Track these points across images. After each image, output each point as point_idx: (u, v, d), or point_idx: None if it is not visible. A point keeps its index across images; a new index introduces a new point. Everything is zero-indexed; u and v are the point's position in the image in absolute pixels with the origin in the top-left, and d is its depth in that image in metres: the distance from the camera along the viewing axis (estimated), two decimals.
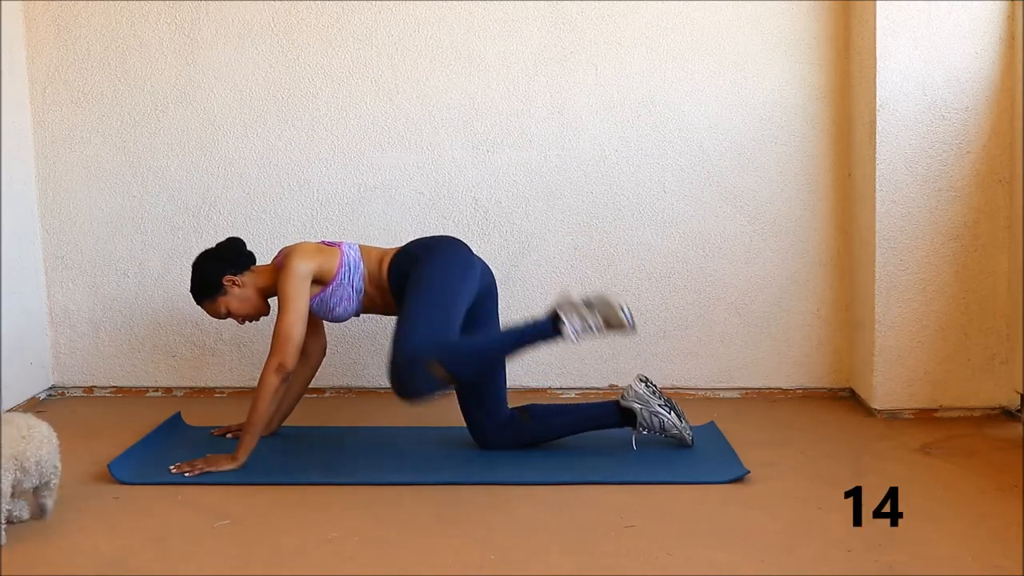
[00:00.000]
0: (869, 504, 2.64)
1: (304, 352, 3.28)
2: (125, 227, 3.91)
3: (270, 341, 3.91)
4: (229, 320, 3.88)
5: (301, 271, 3.01)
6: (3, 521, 2.42)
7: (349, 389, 3.95)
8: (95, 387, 3.98)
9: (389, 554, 2.39)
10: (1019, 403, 3.42)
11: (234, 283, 3.11)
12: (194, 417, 3.58)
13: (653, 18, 3.76)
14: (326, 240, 3.20)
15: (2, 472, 2.40)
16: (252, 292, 3.13)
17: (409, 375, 2.84)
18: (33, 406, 3.80)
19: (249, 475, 2.92)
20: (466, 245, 3.17)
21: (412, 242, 3.19)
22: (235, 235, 3.42)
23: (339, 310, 3.12)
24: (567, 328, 2.87)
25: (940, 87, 3.43)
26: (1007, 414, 3.49)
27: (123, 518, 2.63)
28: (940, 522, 2.54)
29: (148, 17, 3.83)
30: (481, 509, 2.68)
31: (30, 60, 3.85)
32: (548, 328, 2.91)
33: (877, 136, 3.45)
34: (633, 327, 2.90)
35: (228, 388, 3.96)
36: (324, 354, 3.38)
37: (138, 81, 3.85)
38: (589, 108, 3.80)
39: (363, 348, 3.91)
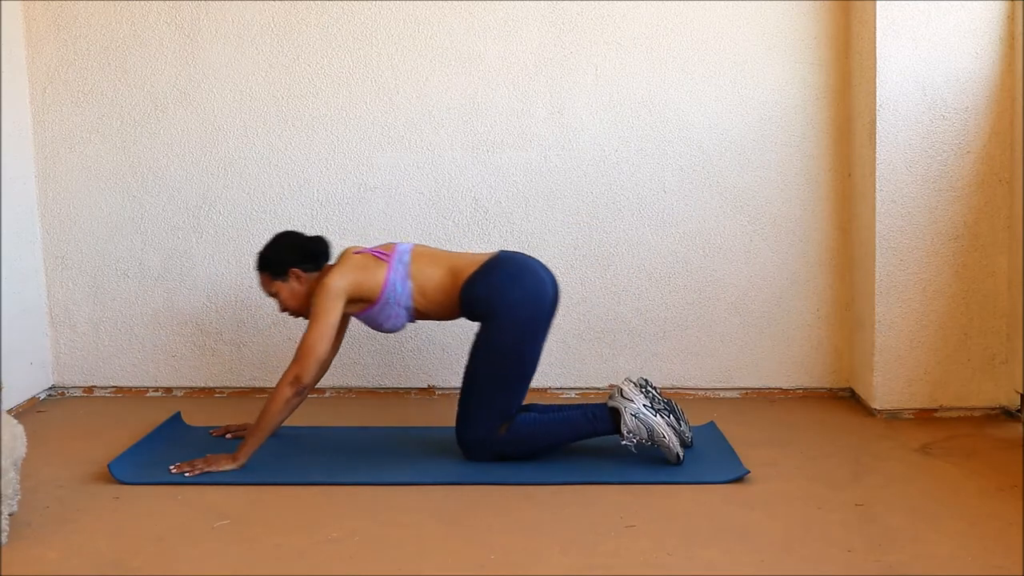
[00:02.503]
0: (869, 504, 2.65)
1: None
2: (125, 227, 3.91)
3: (270, 342, 3.93)
4: (229, 320, 3.90)
5: (335, 290, 3.01)
6: (4, 520, 2.42)
7: (349, 389, 3.95)
8: (95, 387, 3.98)
9: (389, 554, 2.39)
10: (1019, 403, 3.42)
11: (297, 277, 3.11)
12: (194, 417, 3.58)
13: (653, 18, 3.76)
14: (379, 250, 3.14)
15: (2, 471, 2.40)
16: (305, 292, 3.13)
17: (478, 453, 3.03)
18: (33, 406, 3.80)
19: (249, 475, 2.92)
20: (541, 274, 3.09)
21: (490, 267, 3.06)
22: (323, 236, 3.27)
23: (388, 325, 3.13)
24: (627, 440, 2.97)
25: (940, 87, 3.43)
26: (1007, 414, 3.49)
27: (123, 518, 2.63)
28: (940, 522, 2.54)
29: (148, 17, 3.83)
30: (481, 509, 2.68)
31: (30, 60, 3.85)
32: (608, 428, 3.02)
33: (877, 136, 3.45)
34: (680, 463, 2.98)
35: (228, 388, 3.96)
36: (335, 355, 3.36)
37: (138, 81, 3.85)
38: (589, 108, 3.80)
39: (363, 348, 3.91)
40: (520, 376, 3.04)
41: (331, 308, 3.00)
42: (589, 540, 2.46)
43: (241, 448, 2.97)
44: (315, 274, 3.14)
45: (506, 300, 3.00)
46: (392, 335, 3.88)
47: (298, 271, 3.11)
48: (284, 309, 3.17)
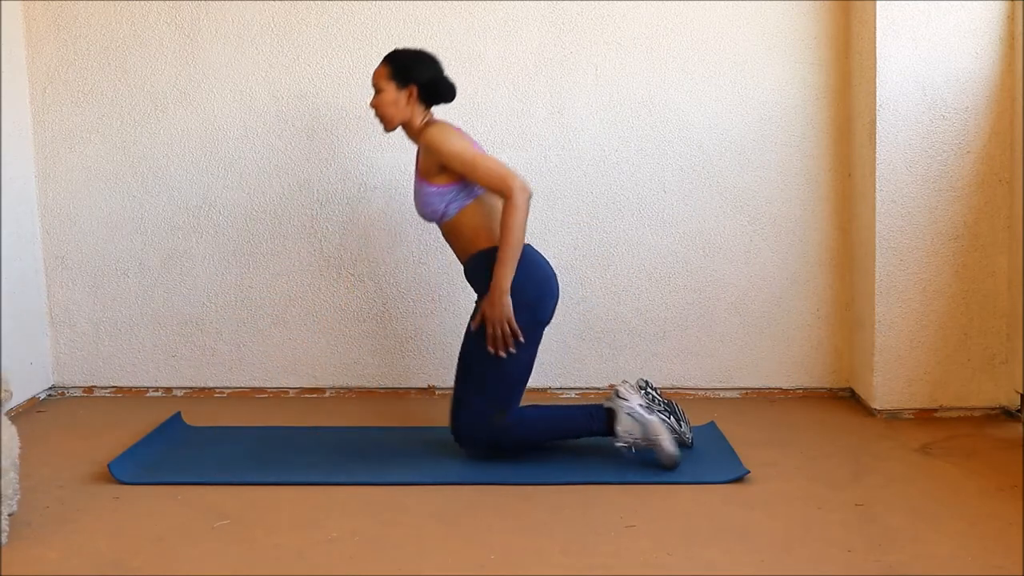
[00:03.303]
0: (869, 504, 2.65)
1: None
2: (125, 227, 3.91)
3: (270, 342, 3.92)
4: (229, 320, 3.91)
5: (452, 130, 3.02)
6: (4, 520, 2.42)
7: (349, 389, 3.95)
8: (95, 387, 3.98)
9: (389, 554, 2.39)
10: (1019, 403, 3.42)
11: (410, 95, 3.08)
12: (194, 417, 3.58)
13: (653, 18, 3.76)
14: (481, 149, 3.11)
15: (2, 471, 2.40)
16: (404, 112, 3.09)
17: (472, 447, 3.06)
18: (33, 406, 3.80)
19: (249, 475, 2.92)
20: (552, 284, 3.09)
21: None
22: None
23: (427, 210, 3.09)
24: (622, 442, 2.98)
25: (940, 87, 3.43)
26: (1007, 414, 3.49)
27: (123, 518, 2.63)
28: (940, 522, 2.54)
29: (148, 17, 3.83)
30: (481, 509, 2.68)
31: (30, 60, 3.85)
32: (603, 428, 3.03)
33: (877, 136, 3.45)
34: (675, 468, 2.96)
35: (228, 388, 3.96)
36: None
37: (138, 81, 3.85)
38: (589, 108, 3.80)
39: (363, 348, 3.91)
40: (518, 380, 3.03)
41: (459, 141, 2.99)
42: (589, 540, 2.46)
43: (498, 280, 2.93)
44: (421, 108, 3.10)
45: (521, 296, 2.98)
46: (392, 334, 3.88)
47: (415, 91, 3.07)
48: (374, 106, 3.12)
